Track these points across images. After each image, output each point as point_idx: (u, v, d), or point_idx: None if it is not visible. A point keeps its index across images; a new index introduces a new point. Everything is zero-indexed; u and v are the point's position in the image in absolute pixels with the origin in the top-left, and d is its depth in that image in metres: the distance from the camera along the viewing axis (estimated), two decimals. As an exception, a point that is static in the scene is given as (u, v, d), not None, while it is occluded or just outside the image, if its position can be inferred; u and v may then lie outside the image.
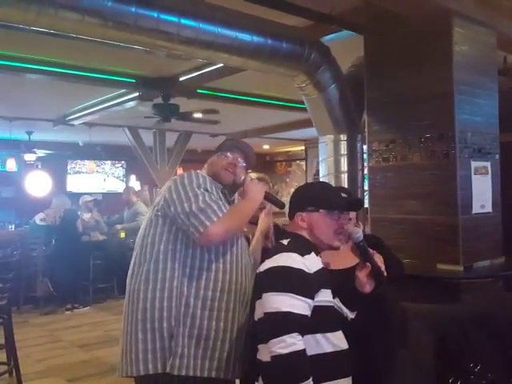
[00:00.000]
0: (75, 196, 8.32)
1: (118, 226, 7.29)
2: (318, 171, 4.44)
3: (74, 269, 6.47)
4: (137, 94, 5.89)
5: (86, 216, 7.14)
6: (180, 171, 11.14)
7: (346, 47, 3.81)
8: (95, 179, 11.03)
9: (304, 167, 12.84)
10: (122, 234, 7.18)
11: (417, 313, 1.61)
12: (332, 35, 3.84)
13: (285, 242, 1.68)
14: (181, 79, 5.51)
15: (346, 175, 4.00)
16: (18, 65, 4.88)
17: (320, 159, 4.21)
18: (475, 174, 3.20)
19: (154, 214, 1.84)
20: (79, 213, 7.01)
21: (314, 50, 3.59)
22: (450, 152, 3.11)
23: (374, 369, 1.61)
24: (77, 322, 5.97)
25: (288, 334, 1.45)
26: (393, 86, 3.43)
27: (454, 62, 3.11)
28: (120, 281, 6.87)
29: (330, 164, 4.06)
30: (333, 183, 4.01)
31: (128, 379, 1.87)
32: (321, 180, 1.80)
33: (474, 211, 3.18)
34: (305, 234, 1.71)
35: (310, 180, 12.34)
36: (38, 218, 6.71)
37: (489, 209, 3.31)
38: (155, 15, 2.84)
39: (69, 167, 10.73)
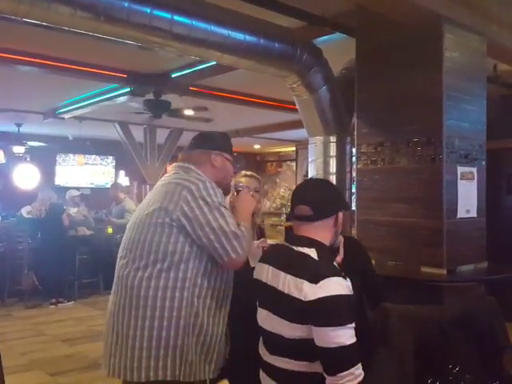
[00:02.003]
0: (63, 190, 8.28)
1: (113, 219, 7.20)
2: (307, 172, 4.46)
3: (60, 263, 6.43)
4: (128, 89, 5.88)
5: (73, 210, 7.12)
6: (170, 168, 11.12)
7: (337, 49, 3.83)
8: (84, 173, 10.96)
9: (294, 168, 12.88)
10: (110, 230, 7.15)
11: (397, 313, 1.63)
12: (324, 37, 3.87)
13: (312, 254, 1.58)
14: (173, 76, 5.51)
15: (334, 177, 4.03)
16: (10, 56, 4.84)
17: (309, 160, 4.23)
18: (461, 179, 3.24)
19: (168, 223, 1.76)
20: (65, 207, 6.97)
21: (306, 51, 3.61)
22: (436, 156, 3.15)
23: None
24: (61, 316, 5.94)
25: (354, 366, 1.44)
26: (383, 89, 3.46)
27: (443, 67, 3.14)
28: (106, 276, 6.84)
29: (318, 165, 4.08)
30: (321, 184, 4.04)
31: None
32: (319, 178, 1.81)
33: (458, 216, 3.22)
34: (326, 241, 1.66)
35: (300, 180, 12.39)
36: (25, 211, 6.67)
37: (474, 214, 3.35)
38: (148, 11, 2.84)
39: (57, 161, 10.65)
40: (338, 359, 1.45)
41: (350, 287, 1.51)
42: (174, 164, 2.01)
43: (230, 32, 3.18)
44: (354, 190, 4.14)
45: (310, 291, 1.47)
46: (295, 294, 1.51)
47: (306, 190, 1.74)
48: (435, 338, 1.89)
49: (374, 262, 1.67)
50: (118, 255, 1.91)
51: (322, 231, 1.66)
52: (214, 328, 1.82)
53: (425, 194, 3.19)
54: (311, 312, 1.48)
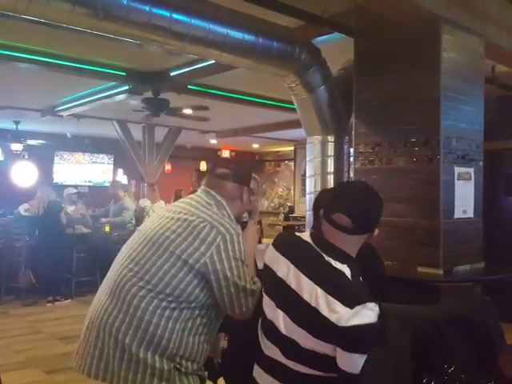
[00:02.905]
0: (61, 188, 8.27)
1: (104, 220, 7.26)
2: (305, 172, 4.47)
3: (57, 261, 6.43)
4: (127, 87, 5.88)
5: (70, 208, 7.12)
6: (168, 167, 11.12)
7: (336, 49, 3.84)
8: (82, 171, 10.96)
9: (293, 167, 12.90)
10: (107, 228, 7.15)
11: (393, 312, 1.63)
12: (323, 37, 3.88)
13: (346, 271, 1.52)
14: (172, 74, 5.51)
15: (332, 176, 4.03)
16: (8, 53, 4.84)
17: (307, 159, 4.24)
18: (458, 179, 3.24)
19: (191, 264, 1.72)
20: (63, 205, 6.97)
21: (305, 50, 3.61)
22: (434, 157, 3.15)
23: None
24: (58, 314, 5.94)
25: None
26: (381, 89, 3.47)
27: (441, 68, 3.15)
28: (103, 275, 6.74)
29: (316, 164, 4.09)
30: (319, 184, 4.05)
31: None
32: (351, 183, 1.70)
33: (455, 216, 3.22)
34: (354, 253, 1.59)
35: (298, 180, 12.40)
36: (23, 209, 6.66)
37: (470, 214, 3.36)
38: (147, 9, 2.84)
39: (56, 158, 10.64)
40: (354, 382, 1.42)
41: (379, 312, 1.46)
42: (204, 188, 1.96)
43: (228, 31, 3.18)
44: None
45: (344, 316, 1.41)
46: (325, 313, 1.44)
47: (350, 198, 1.59)
48: (431, 337, 1.89)
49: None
50: (120, 258, 1.88)
51: (354, 244, 1.59)
52: (199, 364, 1.82)
53: (422, 194, 3.19)
54: (341, 337, 1.42)
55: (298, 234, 1.72)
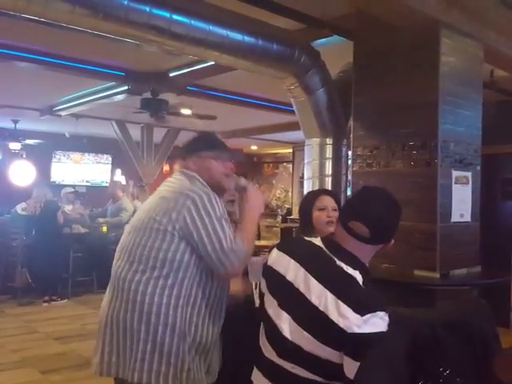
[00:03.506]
0: (59, 187, 8.25)
1: (101, 220, 7.25)
2: (304, 174, 4.48)
3: (54, 261, 6.41)
4: (126, 87, 5.87)
5: (68, 208, 7.10)
6: (166, 167, 11.11)
7: (335, 52, 3.85)
8: (80, 171, 10.94)
9: (291, 170, 12.89)
10: (105, 228, 7.14)
11: (390, 315, 1.63)
12: (322, 40, 3.88)
13: (357, 276, 1.49)
14: (171, 75, 5.51)
15: (330, 179, 4.04)
16: (7, 52, 4.83)
17: (305, 162, 4.25)
18: (456, 183, 3.25)
19: (170, 231, 1.77)
20: (60, 204, 6.95)
21: (304, 53, 3.62)
22: (432, 160, 3.16)
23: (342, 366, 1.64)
24: (54, 314, 5.92)
25: None
26: (379, 92, 3.48)
27: (440, 72, 3.16)
28: (100, 275, 6.83)
29: (314, 167, 4.10)
30: (317, 186, 4.06)
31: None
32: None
33: (453, 220, 3.23)
34: (367, 260, 1.57)
35: (296, 182, 12.41)
36: (20, 208, 6.65)
37: (468, 218, 3.37)
38: (147, 9, 2.85)
39: (54, 158, 10.62)
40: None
41: (388, 321, 1.43)
42: (178, 170, 2.01)
43: (228, 32, 3.19)
44: (349, 193, 4.15)
45: (354, 323, 1.38)
46: (334, 317, 1.42)
47: (369, 207, 1.55)
48: (427, 340, 1.90)
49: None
50: (116, 255, 1.92)
51: (369, 252, 1.57)
52: (208, 336, 1.83)
53: (419, 198, 3.20)
54: (349, 344, 1.40)
55: (307, 238, 1.71)
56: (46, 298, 6.39)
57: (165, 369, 1.73)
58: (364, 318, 1.38)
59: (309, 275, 1.52)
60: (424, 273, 3.11)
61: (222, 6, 3.25)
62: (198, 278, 1.80)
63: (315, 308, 1.46)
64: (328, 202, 2.27)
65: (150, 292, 1.75)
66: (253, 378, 1.68)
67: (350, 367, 1.41)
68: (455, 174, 3.26)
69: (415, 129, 3.25)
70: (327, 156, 4.05)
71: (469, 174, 3.38)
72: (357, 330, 1.38)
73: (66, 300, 6.55)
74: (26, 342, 4.77)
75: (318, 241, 1.64)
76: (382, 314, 1.41)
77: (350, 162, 3.91)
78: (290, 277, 1.56)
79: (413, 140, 3.25)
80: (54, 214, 6.59)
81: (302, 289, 1.52)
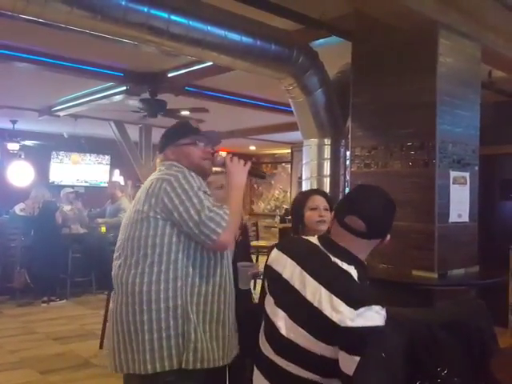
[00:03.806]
0: (57, 188, 8.25)
1: (100, 220, 7.25)
2: (302, 174, 4.48)
3: (52, 261, 6.41)
4: (124, 87, 5.87)
5: (67, 208, 7.09)
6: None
7: (334, 53, 3.85)
8: (78, 172, 10.93)
9: (289, 170, 12.90)
10: (103, 229, 7.13)
11: (388, 315, 1.64)
12: (321, 40, 3.88)
13: (352, 271, 1.49)
14: (169, 75, 5.51)
15: (328, 179, 4.05)
16: (6, 52, 4.83)
17: (303, 162, 4.25)
18: (454, 183, 3.26)
19: (153, 216, 1.79)
20: (59, 205, 6.95)
21: (303, 53, 3.63)
22: (430, 161, 3.17)
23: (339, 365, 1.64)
24: (53, 314, 5.91)
25: None
26: (377, 93, 3.48)
27: (438, 72, 3.17)
28: (98, 275, 6.83)
29: (313, 167, 4.10)
30: (315, 186, 4.06)
31: (103, 374, 1.88)
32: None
33: (450, 220, 3.24)
34: (364, 256, 1.56)
35: (294, 183, 12.42)
36: (18, 208, 6.64)
37: (465, 218, 3.38)
38: (145, 10, 2.85)
39: (52, 158, 10.61)
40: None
41: (385, 316, 1.42)
42: (158, 163, 2.04)
43: (226, 33, 3.19)
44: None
45: (347, 316, 1.37)
46: (327, 312, 1.41)
47: (366, 202, 1.55)
48: (425, 340, 1.90)
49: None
50: (114, 255, 1.94)
51: (365, 248, 1.56)
52: (213, 314, 1.84)
53: (417, 198, 3.21)
54: (343, 338, 1.38)
55: (305, 237, 1.72)
56: (45, 298, 6.38)
57: (175, 351, 1.75)
58: (357, 311, 1.37)
59: (304, 273, 1.53)
60: (422, 273, 3.12)
61: (220, 7, 3.25)
62: (191, 257, 1.82)
63: (310, 304, 1.47)
64: (319, 201, 2.28)
65: (146, 281, 1.77)
66: (253, 377, 1.69)
67: (346, 362, 1.40)
68: (453, 174, 3.27)
69: (413, 129, 3.26)
70: (325, 156, 4.06)
71: (467, 175, 3.39)
72: (350, 324, 1.37)
73: (64, 300, 6.54)
74: (24, 343, 4.77)
75: (314, 239, 1.64)
76: (377, 307, 1.40)
77: (348, 162, 3.92)
78: (286, 275, 1.58)
79: (411, 140, 3.26)
80: (52, 214, 6.58)
81: (297, 286, 1.53)
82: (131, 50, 4.35)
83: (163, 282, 1.77)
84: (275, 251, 1.67)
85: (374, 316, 1.38)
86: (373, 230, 1.52)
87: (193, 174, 1.85)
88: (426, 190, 3.18)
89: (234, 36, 3.25)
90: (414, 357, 1.86)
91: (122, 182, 10.27)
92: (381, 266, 3.22)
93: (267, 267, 1.68)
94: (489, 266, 3.54)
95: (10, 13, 2.73)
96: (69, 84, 6.14)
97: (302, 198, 2.33)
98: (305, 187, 4.18)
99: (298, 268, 1.55)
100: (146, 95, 5.99)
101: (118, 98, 6.26)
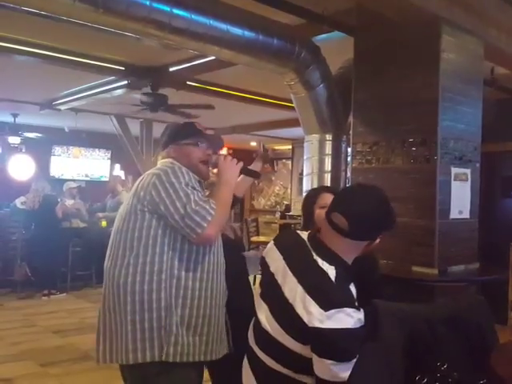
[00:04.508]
0: (58, 182, 8.25)
1: (100, 214, 7.25)
2: (303, 170, 4.48)
3: (53, 255, 6.43)
4: (125, 82, 5.86)
5: (69, 202, 7.10)
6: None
7: (336, 48, 3.84)
8: (79, 166, 10.93)
9: (290, 166, 12.89)
10: (104, 223, 7.14)
11: (387, 310, 1.64)
12: (323, 35, 3.87)
13: (330, 271, 1.45)
14: (171, 70, 5.50)
15: (329, 175, 4.05)
16: (7, 45, 4.82)
17: (304, 158, 4.25)
18: (455, 180, 3.26)
19: (140, 209, 1.82)
20: (59, 199, 6.95)
21: (305, 48, 3.62)
22: (431, 157, 3.16)
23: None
24: (53, 307, 5.94)
25: None
26: (380, 88, 3.48)
27: (440, 68, 3.16)
28: (98, 269, 6.84)
29: (314, 163, 4.10)
30: (316, 182, 4.06)
31: (102, 367, 1.89)
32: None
33: (451, 216, 3.24)
34: (350, 258, 1.52)
35: (295, 179, 12.42)
36: (19, 202, 6.66)
37: (466, 215, 3.37)
38: (147, 3, 2.84)
39: (53, 152, 10.61)
40: None
41: (362, 319, 1.40)
42: (159, 162, 2.07)
43: (228, 27, 3.18)
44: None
45: (316, 317, 1.36)
46: (299, 310, 1.42)
47: (352, 200, 1.53)
48: (425, 335, 1.90)
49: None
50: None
51: (350, 248, 1.51)
52: (200, 310, 1.85)
53: (418, 194, 3.20)
54: (313, 339, 1.38)
55: (299, 231, 1.72)
56: (45, 291, 6.41)
57: (156, 343, 1.77)
58: (327, 313, 1.36)
59: (287, 268, 1.54)
60: (422, 269, 3.12)
61: (223, 1, 3.24)
62: (177, 251, 1.83)
63: (286, 300, 1.47)
64: (329, 199, 2.27)
65: (131, 273, 1.79)
66: (243, 366, 1.70)
67: (317, 364, 1.39)
68: (454, 170, 3.26)
69: (415, 125, 3.25)
70: (327, 152, 4.05)
71: (468, 171, 3.38)
72: (317, 325, 1.36)
73: (65, 294, 6.57)
74: (25, 335, 4.79)
75: (305, 234, 1.65)
76: (349, 310, 1.37)
77: (349, 158, 3.92)
78: (272, 268, 1.60)
79: (412, 136, 3.26)
80: (52, 208, 6.60)
81: (279, 281, 1.54)
82: (133, 44, 4.34)
83: (147, 274, 1.78)
84: (270, 243, 1.70)
85: (344, 318, 1.35)
86: (356, 229, 1.48)
87: (183, 169, 1.87)
88: (427, 187, 3.17)
89: (236, 30, 3.23)
90: (414, 352, 1.86)
91: (123, 177, 10.28)
92: (381, 262, 3.22)
93: (262, 258, 1.70)
94: (489, 263, 3.54)
95: (11, 5, 2.72)
96: (70, 78, 6.13)
97: (312, 196, 2.32)
98: (306, 183, 4.18)
99: (283, 262, 1.57)
100: (148, 89, 5.98)
101: (119, 92, 6.25)
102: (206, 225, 1.77)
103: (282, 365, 1.52)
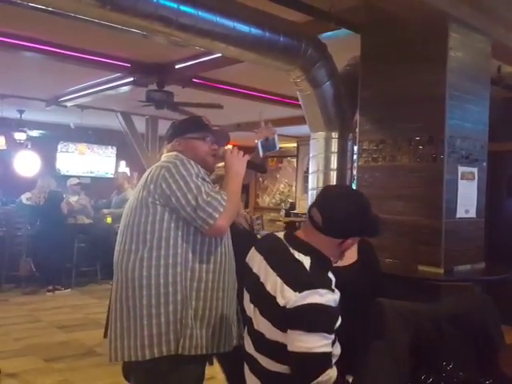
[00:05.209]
0: (64, 178, 8.27)
1: (105, 211, 7.27)
2: (308, 168, 4.47)
3: (58, 250, 6.45)
4: (131, 78, 5.86)
5: (73, 199, 7.12)
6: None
7: (343, 45, 3.82)
8: (85, 162, 10.96)
9: (295, 164, 12.87)
10: (109, 219, 7.16)
11: (393, 309, 1.64)
12: (330, 33, 3.85)
13: (305, 261, 1.55)
14: (177, 67, 5.49)
15: (335, 173, 4.03)
16: (14, 42, 4.83)
17: (310, 155, 4.23)
18: (461, 178, 3.24)
19: (151, 202, 1.82)
20: (65, 195, 6.98)
21: (311, 45, 3.60)
22: (438, 156, 3.15)
23: (349, 359, 1.64)
24: (57, 303, 5.96)
25: (325, 370, 1.47)
26: (386, 86, 3.46)
27: (447, 66, 3.14)
28: (103, 265, 6.88)
29: (320, 161, 4.08)
30: (321, 180, 4.05)
31: (106, 363, 1.89)
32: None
33: (458, 215, 3.22)
34: (328, 253, 1.61)
35: (300, 177, 12.40)
36: (25, 198, 6.68)
37: (473, 214, 3.36)
38: (155, 0, 2.83)
39: (59, 149, 10.64)
40: (303, 365, 1.46)
41: (337, 300, 1.50)
42: (163, 155, 2.07)
43: (235, 24, 3.17)
44: (354, 187, 4.14)
45: (292, 299, 1.46)
46: (279, 299, 1.50)
47: (331, 198, 1.64)
48: (430, 335, 1.90)
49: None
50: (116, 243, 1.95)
51: (325, 243, 1.60)
52: (213, 302, 1.86)
53: (425, 193, 3.19)
54: (290, 319, 1.47)
55: (276, 233, 1.77)
56: (50, 287, 6.44)
57: (173, 337, 1.77)
58: (302, 294, 1.45)
59: (268, 266, 1.60)
60: (428, 268, 3.11)
61: (230, -2, 3.23)
62: (191, 243, 1.83)
63: (269, 294, 1.54)
64: None
65: (146, 266, 1.79)
66: (244, 372, 1.72)
67: (290, 338, 1.46)
68: (461, 169, 3.24)
69: (422, 124, 3.23)
70: (332, 150, 4.04)
71: (475, 170, 3.36)
72: (294, 305, 1.45)
73: (69, 289, 6.60)
74: (29, 331, 4.81)
75: (282, 234, 1.72)
76: (322, 291, 1.46)
77: (355, 156, 3.90)
78: (255, 269, 1.66)
79: (419, 135, 3.24)
80: (58, 204, 6.62)
81: (262, 279, 1.60)
82: (139, 41, 4.33)
83: (163, 267, 1.78)
84: (252, 249, 1.75)
85: (317, 298, 1.46)
86: (328, 226, 1.58)
87: (192, 162, 1.87)
88: (434, 185, 3.16)
89: (243, 27, 3.22)
90: (420, 351, 1.86)
91: (129, 173, 10.31)
92: (387, 261, 3.22)
93: (245, 264, 1.75)
94: (495, 262, 3.52)
95: (18, 1, 2.72)
96: (76, 74, 6.13)
97: None
98: (311, 181, 4.17)
99: (264, 262, 1.63)
100: (154, 86, 5.97)
101: (124, 89, 6.26)
102: (217, 216, 1.78)
103: (275, 360, 1.56)
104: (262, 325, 1.57)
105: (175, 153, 1.97)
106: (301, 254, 1.57)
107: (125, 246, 1.86)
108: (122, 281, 1.83)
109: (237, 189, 1.94)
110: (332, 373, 1.48)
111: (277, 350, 1.53)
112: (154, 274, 1.78)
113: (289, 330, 1.48)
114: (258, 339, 1.59)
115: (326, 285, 1.50)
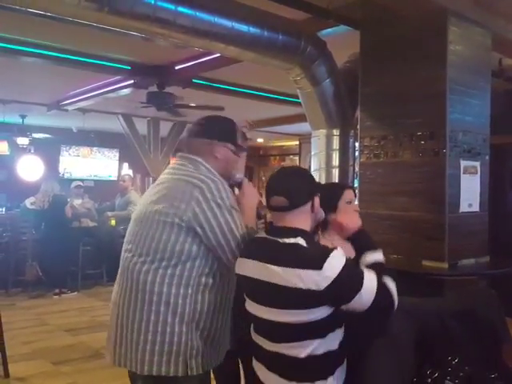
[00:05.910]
0: (67, 182, 8.30)
1: (109, 213, 7.29)
2: (310, 166, 4.47)
3: (63, 254, 6.47)
4: (132, 81, 5.88)
5: (77, 202, 7.15)
6: (173, 161, 11.13)
7: (342, 42, 3.82)
8: (88, 165, 10.99)
9: (297, 162, 12.86)
10: (113, 222, 7.18)
11: (398, 304, 1.64)
12: (329, 30, 3.85)
13: (300, 241, 1.59)
14: (177, 68, 5.50)
15: (337, 170, 4.03)
16: (14, 47, 4.85)
17: (312, 153, 4.23)
18: (464, 173, 3.23)
19: (177, 223, 1.73)
20: (69, 199, 7.00)
21: (310, 43, 3.60)
22: (440, 150, 3.14)
23: (354, 354, 1.65)
24: (64, 306, 5.99)
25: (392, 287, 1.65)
26: (387, 82, 3.45)
27: (448, 60, 3.13)
28: (109, 268, 6.90)
29: (321, 158, 4.08)
30: (324, 177, 4.05)
31: (111, 364, 1.89)
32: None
33: (461, 210, 3.21)
34: (307, 227, 1.69)
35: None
36: (29, 202, 6.71)
37: (476, 208, 3.35)
38: (152, 2, 2.84)
39: (62, 152, 10.67)
40: (383, 302, 1.59)
41: (343, 253, 1.59)
42: (179, 154, 1.95)
43: (233, 23, 3.18)
44: (356, 184, 4.14)
45: (319, 279, 1.49)
46: (298, 285, 1.50)
47: (278, 181, 1.74)
48: (435, 329, 1.90)
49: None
50: (124, 247, 1.90)
51: (301, 218, 1.67)
52: (218, 323, 1.83)
53: (427, 188, 3.18)
54: (332, 295, 1.51)
55: (256, 236, 1.79)
56: (56, 290, 6.46)
57: (174, 358, 1.73)
58: (323, 269, 1.50)
59: (267, 264, 1.61)
60: (432, 263, 3.10)
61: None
62: (207, 268, 1.79)
63: (277, 286, 1.56)
64: (352, 195, 2.25)
65: (158, 282, 1.74)
66: (257, 371, 1.73)
67: (355, 305, 1.54)
68: (463, 163, 3.24)
69: (423, 119, 3.23)
70: (334, 147, 4.04)
71: (477, 164, 3.35)
72: (326, 283, 1.49)
73: (75, 293, 6.62)
74: (37, 334, 4.83)
75: (263, 233, 1.75)
76: (333, 253, 1.54)
77: (357, 153, 3.90)
78: (250, 273, 1.67)
79: (421, 130, 3.23)
80: (62, 208, 6.64)
81: (264, 278, 1.61)
82: (138, 43, 4.34)
83: (175, 287, 1.74)
84: (238, 259, 1.76)
85: (335, 261, 1.52)
86: (292, 199, 1.66)
87: (226, 185, 1.80)
88: (437, 180, 3.15)
89: (241, 27, 3.23)
90: (425, 346, 1.86)
91: (132, 176, 10.33)
92: (391, 257, 3.21)
93: (236, 276, 1.77)
94: (500, 256, 3.51)
95: (17, 7, 2.73)
96: (77, 78, 6.15)
97: (340, 189, 2.27)
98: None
99: (260, 263, 1.64)
100: (154, 88, 5.99)
101: (125, 91, 6.27)
102: (238, 253, 1.76)
103: (287, 341, 1.60)
104: (279, 316, 1.59)
105: (200, 160, 1.85)
106: (291, 238, 1.61)
107: (139, 256, 1.79)
108: (131, 290, 1.79)
109: (254, 216, 1.94)
110: (391, 284, 1.64)
111: (309, 329, 1.57)
112: (165, 292, 1.73)
113: (347, 304, 1.54)
114: (277, 330, 1.61)
115: (328, 248, 1.58)
